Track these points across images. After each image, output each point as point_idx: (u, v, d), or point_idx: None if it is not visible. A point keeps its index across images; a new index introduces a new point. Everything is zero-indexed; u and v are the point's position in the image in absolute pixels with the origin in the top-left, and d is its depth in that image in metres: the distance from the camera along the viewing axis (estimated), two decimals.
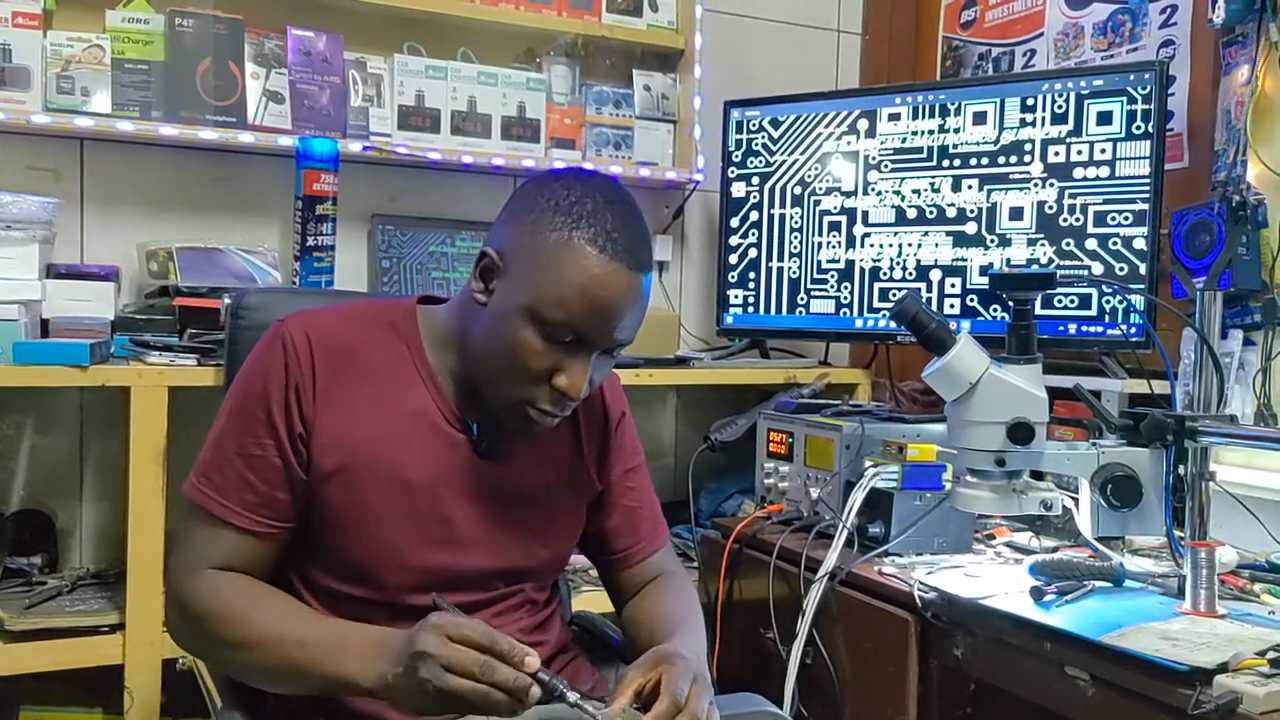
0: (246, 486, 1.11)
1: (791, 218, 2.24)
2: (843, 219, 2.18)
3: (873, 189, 2.15)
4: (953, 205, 2.06)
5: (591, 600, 1.78)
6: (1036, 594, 1.32)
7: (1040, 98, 1.96)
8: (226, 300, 1.71)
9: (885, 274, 2.14)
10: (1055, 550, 1.57)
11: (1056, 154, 1.94)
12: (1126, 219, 1.87)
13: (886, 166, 2.13)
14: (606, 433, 1.32)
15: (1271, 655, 1.08)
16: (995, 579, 1.43)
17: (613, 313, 1.08)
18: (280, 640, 1.06)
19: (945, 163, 2.07)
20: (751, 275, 2.29)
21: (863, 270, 2.17)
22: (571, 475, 1.28)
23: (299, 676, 1.06)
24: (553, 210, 1.09)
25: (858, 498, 1.54)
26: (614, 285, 1.07)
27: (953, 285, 2.06)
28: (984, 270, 2.03)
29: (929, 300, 2.08)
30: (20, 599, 1.66)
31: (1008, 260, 2.00)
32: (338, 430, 1.12)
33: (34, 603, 1.66)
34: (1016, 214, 1.99)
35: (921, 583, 1.42)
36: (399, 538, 1.14)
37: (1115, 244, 1.89)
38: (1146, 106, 1.85)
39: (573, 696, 0.99)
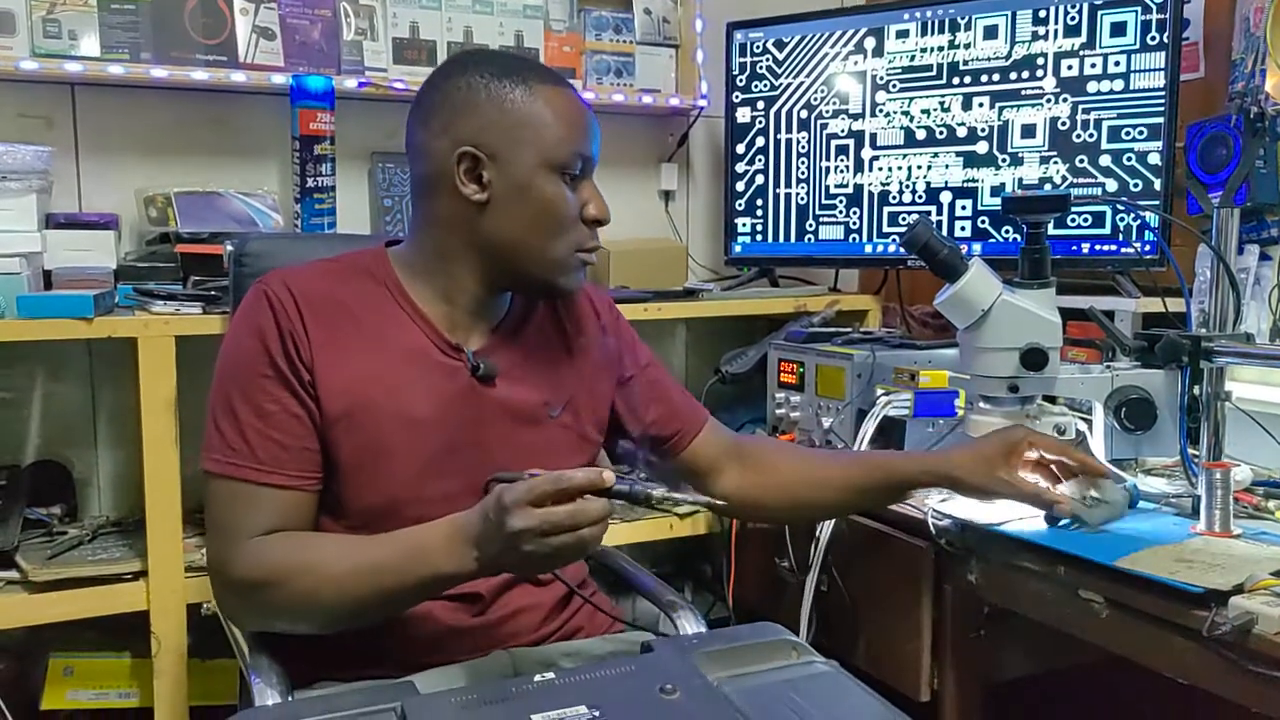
0: (275, 444, 1.10)
1: (798, 142, 2.20)
2: (850, 142, 2.14)
3: (881, 110, 2.10)
4: (963, 124, 2.01)
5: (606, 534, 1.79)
6: (1050, 519, 1.33)
7: (1052, 9, 1.90)
8: (229, 247, 1.69)
9: (894, 198, 2.10)
10: None
11: (1069, 68, 1.89)
12: (1141, 134, 1.83)
13: (895, 86, 2.08)
14: (609, 333, 1.32)
15: None
16: (1009, 505, 1.43)
17: (590, 124, 1.18)
18: (356, 572, 1.04)
19: (955, 80, 2.01)
20: (759, 203, 2.25)
21: (871, 195, 2.13)
22: (568, 391, 1.26)
23: (390, 599, 1.05)
24: (494, 83, 1.14)
25: (870, 426, 1.54)
26: (576, 100, 1.18)
27: (963, 207, 2.03)
28: (995, 191, 1.99)
29: (939, 224, 2.05)
30: (42, 549, 1.67)
31: (1020, 180, 1.96)
32: (337, 376, 1.12)
33: (56, 553, 1.67)
34: (1029, 131, 1.95)
35: (935, 510, 1.42)
36: (412, 473, 1.14)
37: (1129, 160, 1.84)
38: (1161, 16, 1.79)
39: (659, 492, 1.02)
